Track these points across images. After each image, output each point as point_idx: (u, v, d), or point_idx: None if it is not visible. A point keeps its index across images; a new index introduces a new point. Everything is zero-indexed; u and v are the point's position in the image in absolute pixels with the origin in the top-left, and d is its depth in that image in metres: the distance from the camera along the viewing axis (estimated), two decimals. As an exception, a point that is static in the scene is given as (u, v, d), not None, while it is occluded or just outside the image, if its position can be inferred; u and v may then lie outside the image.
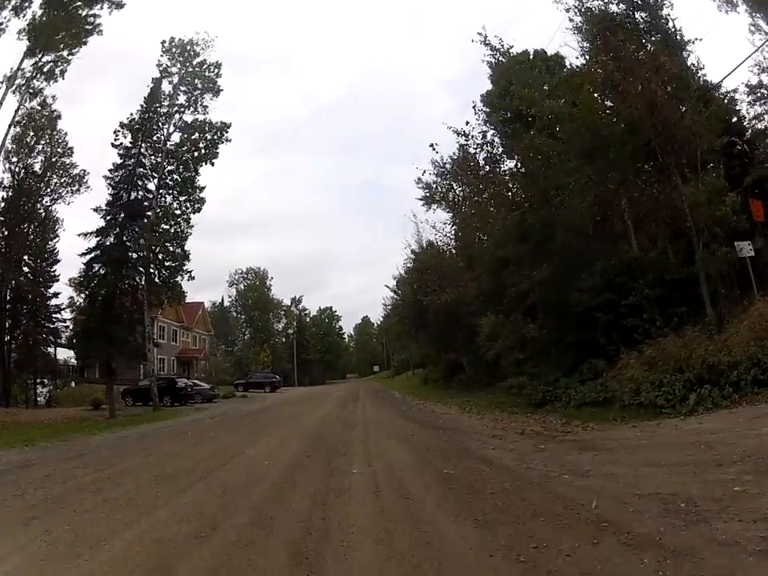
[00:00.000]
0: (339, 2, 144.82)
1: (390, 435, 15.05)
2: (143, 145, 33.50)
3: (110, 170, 32.80)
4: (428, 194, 37.17)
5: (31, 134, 37.77)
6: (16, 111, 32.02)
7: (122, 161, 32.99)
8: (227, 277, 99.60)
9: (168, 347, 57.01)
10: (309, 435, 16.00)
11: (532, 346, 20.71)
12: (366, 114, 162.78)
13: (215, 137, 35.39)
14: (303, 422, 20.80)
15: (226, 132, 35.43)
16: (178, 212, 34.66)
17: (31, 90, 31.42)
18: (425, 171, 35.02)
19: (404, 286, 47.89)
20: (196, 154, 35.03)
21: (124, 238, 32.10)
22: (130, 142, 33.13)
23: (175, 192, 34.88)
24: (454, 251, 36.59)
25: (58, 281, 42.44)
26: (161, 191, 34.36)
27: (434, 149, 28.07)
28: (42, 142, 38.80)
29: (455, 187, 33.95)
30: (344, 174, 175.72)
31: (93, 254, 31.50)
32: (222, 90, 35.27)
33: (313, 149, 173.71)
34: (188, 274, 34.28)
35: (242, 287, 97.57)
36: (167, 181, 34.72)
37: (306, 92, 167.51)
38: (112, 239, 31.81)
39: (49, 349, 43.61)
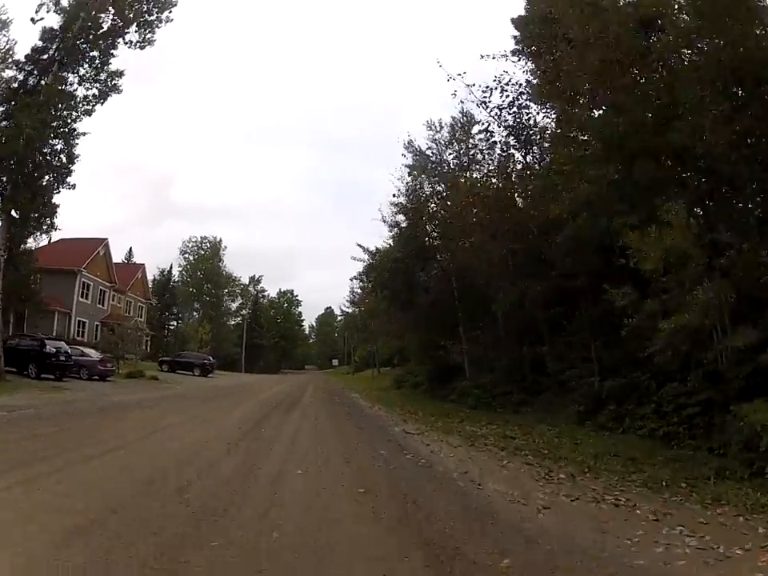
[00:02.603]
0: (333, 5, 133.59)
1: None
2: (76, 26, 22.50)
3: (26, 56, 22.78)
4: (418, 162, 29.43)
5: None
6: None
7: (43, 44, 22.82)
8: (179, 245, 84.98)
9: (92, 309, 44.16)
10: None
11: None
12: (351, 115, 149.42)
13: (152, 6, 24.03)
14: (91, 483, 6.32)
15: (171, 8, 24.26)
16: (77, 93, 23.60)
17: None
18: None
19: (388, 249, 32.99)
20: (117, 19, 23.57)
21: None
22: (61, 26, 22.74)
23: (81, 68, 23.68)
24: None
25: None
26: (62, 60, 22.95)
27: None
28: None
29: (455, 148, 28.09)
30: (321, 172, 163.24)
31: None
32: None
33: (293, 145, 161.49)
34: (66, 183, 23.35)
35: (193, 258, 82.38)
36: (69, 49, 23.01)
37: (301, 91, 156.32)
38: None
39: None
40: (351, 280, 56.57)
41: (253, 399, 23.18)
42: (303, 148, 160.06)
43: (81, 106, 23.30)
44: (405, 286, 27.41)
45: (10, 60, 23.15)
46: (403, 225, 29.52)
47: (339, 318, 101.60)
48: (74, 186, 23.47)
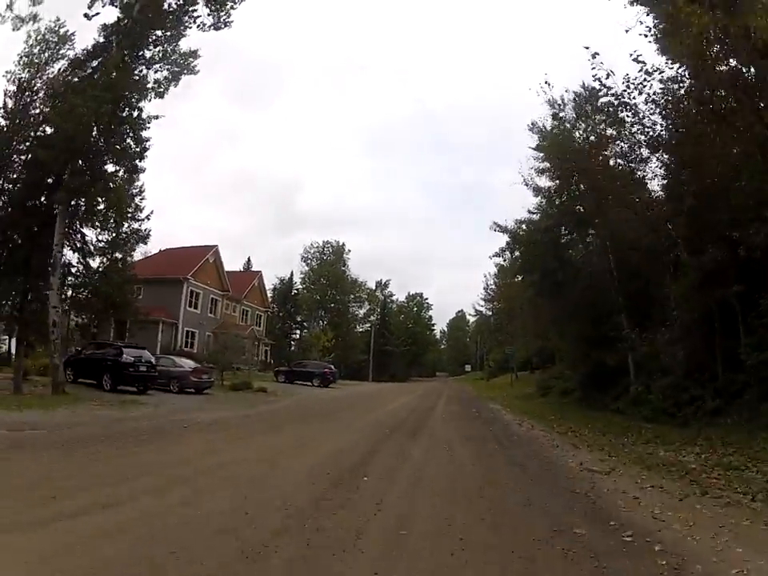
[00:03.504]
0: (453, 12, 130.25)
1: None
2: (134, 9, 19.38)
3: (86, 51, 20.53)
4: (542, 141, 25.98)
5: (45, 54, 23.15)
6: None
7: (104, 41, 20.18)
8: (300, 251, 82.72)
9: (202, 318, 42.00)
10: None
11: None
12: (472, 120, 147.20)
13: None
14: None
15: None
16: (141, 74, 20.65)
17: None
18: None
19: (535, 220, 27.62)
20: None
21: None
22: (120, 19, 19.80)
23: (145, 50, 20.77)
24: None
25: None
26: (120, 42, 19.74)
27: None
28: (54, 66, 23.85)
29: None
30: (446, 176, 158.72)
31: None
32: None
33: (417, 150, 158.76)
34: (135, 168, 21.62)
35: (315, 264, 79.40)
36: (127, 31, 19.99)
37: (419, 96, 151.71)
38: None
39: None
40: (491, 258, 51.14)
41: (369, 417, 18.43)
42: (426, 152, 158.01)
43: (150, 88, 20.72)
44: (556, 263, 23.20)
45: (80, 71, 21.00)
46: (550, 187, 25.54)
47: (471, 320, 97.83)
48: (142, 171, 21.75)
